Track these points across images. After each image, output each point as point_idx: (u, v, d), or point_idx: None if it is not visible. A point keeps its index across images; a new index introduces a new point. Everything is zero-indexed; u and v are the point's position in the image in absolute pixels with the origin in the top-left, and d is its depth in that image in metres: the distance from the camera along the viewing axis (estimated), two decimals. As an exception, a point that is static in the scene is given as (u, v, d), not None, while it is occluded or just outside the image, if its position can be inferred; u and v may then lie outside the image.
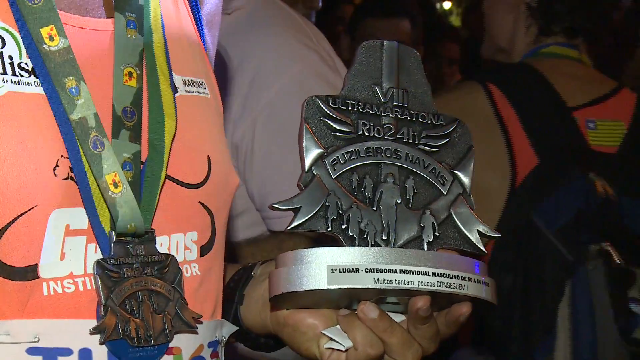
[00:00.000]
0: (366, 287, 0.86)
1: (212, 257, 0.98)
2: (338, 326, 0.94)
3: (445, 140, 0.97)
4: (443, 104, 1.89)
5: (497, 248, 1.81)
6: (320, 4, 2.71)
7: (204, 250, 0.96)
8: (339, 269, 0.85)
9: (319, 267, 0.86)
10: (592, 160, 1.85)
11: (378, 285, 0.86)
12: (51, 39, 0.84)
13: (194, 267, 0.94)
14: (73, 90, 0.84)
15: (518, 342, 1.84)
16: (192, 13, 1.05)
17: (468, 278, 0.91)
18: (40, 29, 0.83)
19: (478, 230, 0.96)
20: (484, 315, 1.82)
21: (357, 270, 0.86)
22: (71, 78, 0.84)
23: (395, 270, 0.87)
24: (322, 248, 0.88)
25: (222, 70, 1.81)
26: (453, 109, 1.81)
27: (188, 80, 0.98)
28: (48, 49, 0.83)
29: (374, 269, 0.86)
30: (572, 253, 1.78)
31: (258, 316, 1.04)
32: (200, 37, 1.06)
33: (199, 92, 1.00)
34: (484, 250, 0.97)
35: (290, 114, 1.73)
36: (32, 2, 0.83)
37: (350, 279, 0.85)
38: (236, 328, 1.02)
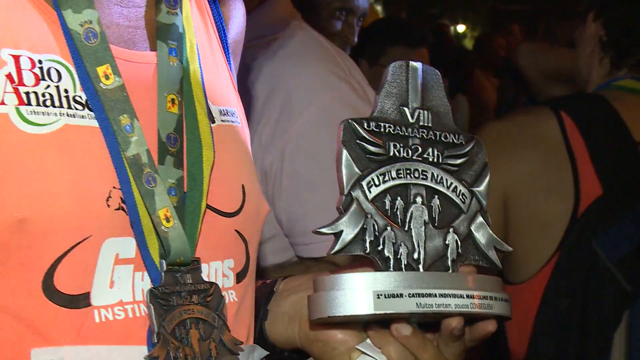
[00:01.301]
0: (410, 311, 0.89)
1: (246, 284, 1.00)
2: (369, 341, 0.97)
3: (464, 159, 0.99)
4: (516, 126, 1.96)
5: (555, 272, 1.82)
6: (355, 39, 2.74)
7: (239, 277, 0.98)
8: (384, 295, 0.88)
9: (365, 293, 0.88)
10: None
11: (420, 310, 0.90)
12: (106, 77, 0.86)
13: (232, 293, 0.96)
14: (127, 127, 0.86)
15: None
16: (220, 41, 1.07)
17: (495, 297, 0.95)
18: (97, 68, 0.85)
19: (494, 247, 0.99)
20: (538, 336, 1.86)
21: (402, 295, 0.89)
22: (125, 115, 0.86)
23: (435, 294, 0.91)
24: (365, 273, 0.92)
25: (254, 97, 1.83)
26: (524, 134, 1.89)
27: (223, 110, 1.01)
28: (104, 87, 0.85)
29: (416, 293, 0.90)
30: (631, 284, 1.79)
31: (284, 331, 1.06)
32: (228, 64, 1.08)
33: (232, 121, 1.02)
34: (500, 266, 0.99)
35: (318, 143, 1.77)
36: (89, 41, 0.85)
37: (396, 304, 0.89)
38: (266, 353, 1.03)
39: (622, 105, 1.93)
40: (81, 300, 0.83)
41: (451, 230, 0.96)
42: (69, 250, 0.82)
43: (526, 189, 1.89)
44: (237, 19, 1.13)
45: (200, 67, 0.98)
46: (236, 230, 0.97)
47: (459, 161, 0.98)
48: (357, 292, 0.88)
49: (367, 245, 0.90)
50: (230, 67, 1.09)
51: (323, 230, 0.89)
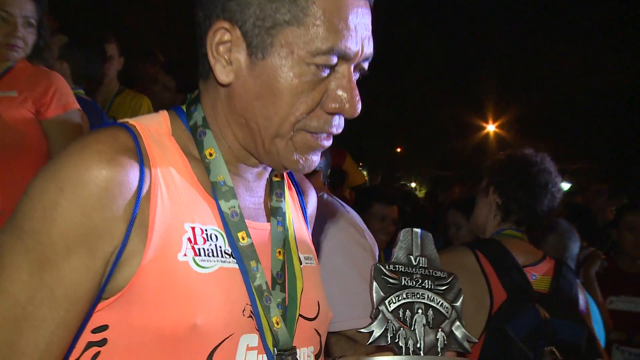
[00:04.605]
0: None
1: None
2: None
3: (447, 286, 1.02)
4: (446, 260, 1.93)
5: (484, 349, 1.84)
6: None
7: (316, 357, 1.00)
8: None
9: None
10: (536, 297, 1.93)
11: None
12: (243, 238, 0.91)
13: None
14: (254, 269, 0.90)
15: None
16: (303, 214, 1.12)
17: None
18: (238, 233, 0.90)
19: (467, 339, 1.01)
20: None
21: None
22: (254, 261, 0.90)
23: None
24: (388, 357, 0.94)
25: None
26: (454, 264, 1.92)
27: (306, 257, 1.05)
28: (242, 245, 0.90)
29: None
30: (533, 352, 1.83)
31: None
32: (307, 228, 1.12)
33: (311, 263, 1.06)
34: (470, 351, 1.01)
35: (334, 264, 1.80)
36: (233, 217, 0.91)
37: None
38: None
39: (509, 244, 2.03)
40: None
41: (440, 330, 0.98)
42: (220, 343, 0.85)
43: None
44: (311, 203, 1.17)
45: (294, 231, 1.03)
46: (315, 329, 1.00)
47: (444, 287, 1.01)
48: None
49: (389, 339, 0.93)
50: (308, 229, 1.13)
51: (362, 330, 0.92)
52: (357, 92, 0.89)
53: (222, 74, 0.88)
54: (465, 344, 1.00)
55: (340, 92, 0.88)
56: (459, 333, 1.00)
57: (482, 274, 1.93)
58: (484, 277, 1.93)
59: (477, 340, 1.05)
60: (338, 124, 0.91)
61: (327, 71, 0.86)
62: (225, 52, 0.87)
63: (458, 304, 1.02)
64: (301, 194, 1.13)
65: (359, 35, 0.87)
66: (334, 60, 0.86)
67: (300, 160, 0.91)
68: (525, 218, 2.09)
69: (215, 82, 0.91)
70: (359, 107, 0.89)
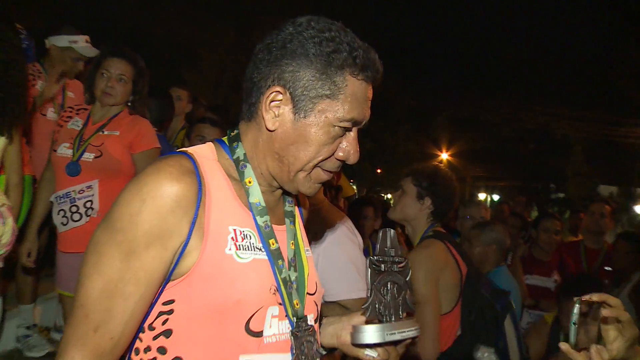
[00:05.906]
0: (393, 339, 0.94)
1: (318, 325, 1.00)
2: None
3: (403, 268, 1.00)
4: (431, 251, 1.91)
5: (462, 305, 1.86)
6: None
7: (316, 321, 0.97)
8: (387, 333, 0.93)
9: (373, 333, 0.93)
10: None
11: (398, 338, 0.95)
12: (273, 244, 0.89)
13: (315, 328, 0.96)
14: (281, 266, 0.89)
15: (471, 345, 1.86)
16: (300, 216, 1.07)
17: (419, 328, 0.99)
18: (269, 240, 0.89)
19: (412, 302, 1.00)
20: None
21: (394, 333, 0.94)
22: (280, 261, 0.89)
23: (404, 331, 0.96)
24: (370, 326, 0.93)
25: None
26: (438, 252, 1.90)
27: (306, 249, 1.01)
28: (272, 249, 0.89)
29: (396, 332, 0.95)
30: (499, 305, 1.87)
31: (328, 341, 1.06)
32: (303, 226, 1.08)
33: (309, 254, 1.02)
34: (414, 309, 1.01)
35: (332, 254, 1.74)
36: (266, 229, 0.89)
37: (387, 336, 0.94)
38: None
39: (445, 235, 1.99)
40: (259, 334, 0.85)
41: (400, 299, 0.97)
42: (254, 313, 0.84)
43: (441, 275, 1.89)
44: (305, 209, 1.12)
45: (301, 230, 1.01)
46: (314, 301, 0.97)
47: (402, 268, 1.00)
48: (369, 332, 0.93)
49: (377, 311, 0.93)
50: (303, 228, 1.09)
51: (362, 307, 0.93)
52: (358, 147, 0.92)
53: (270, 122, 0.88)
54: (412, 306, 1.00)
55: (348, 147, 0.91)
56: (409, 299, 1.00)
57: (453, 256, 1.92)
58: (454, 258, 1.92)
59: (416, 302, 1.05)
60: (340, 165, 0.94)
61: (343, 131, 0.89)
62: (275, 108, 0.87)
63: (408, 278, 1.01)
64: (299, 204, 1.11)
65: (368, 109, 0.90)
66: (350, 125, 0.89)
67: (313, 186, 0.92)
68: (444, 217, 2.07)
69: (259, 125, 0.90)
70: (358, 157, 0.93)
